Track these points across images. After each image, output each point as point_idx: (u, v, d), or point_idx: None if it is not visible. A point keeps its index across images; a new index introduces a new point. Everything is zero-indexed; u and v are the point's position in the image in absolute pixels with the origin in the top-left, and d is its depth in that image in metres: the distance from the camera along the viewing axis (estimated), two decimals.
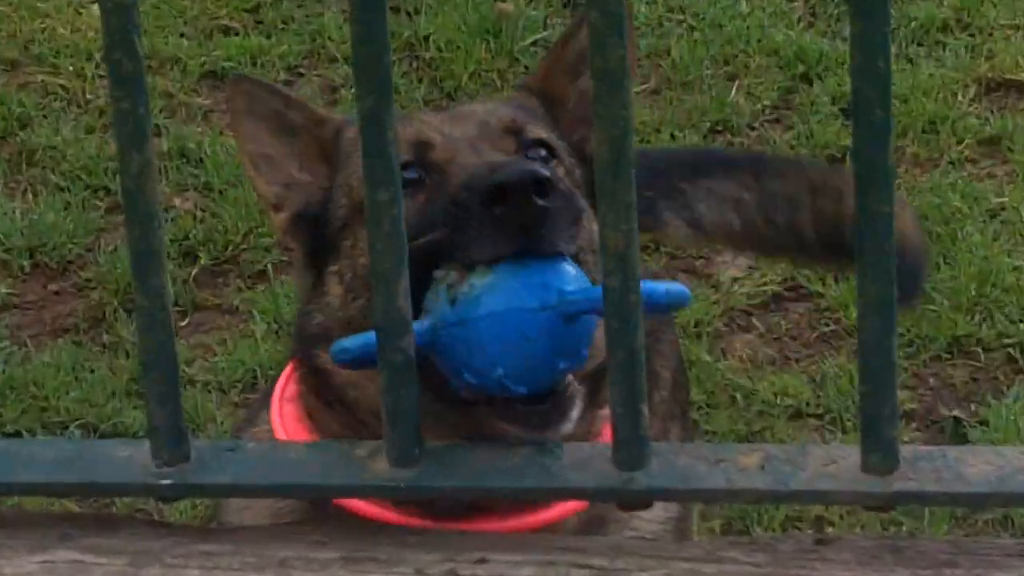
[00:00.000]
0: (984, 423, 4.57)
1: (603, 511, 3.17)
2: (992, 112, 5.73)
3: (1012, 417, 4.59)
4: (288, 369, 3.42)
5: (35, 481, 2.84)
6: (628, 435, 2.59)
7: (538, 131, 3.27)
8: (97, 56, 6.17)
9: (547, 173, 2.99)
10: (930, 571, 2.58)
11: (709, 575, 2.66)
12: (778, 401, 4.56)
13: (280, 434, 3.29)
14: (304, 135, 3.41)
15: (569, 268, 2.95)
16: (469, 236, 3.02)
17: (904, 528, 4.15)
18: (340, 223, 3.34)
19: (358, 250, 3.23)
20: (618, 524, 3.19)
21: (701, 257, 5.01)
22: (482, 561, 2.71)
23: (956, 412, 4.60)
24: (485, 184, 3.00)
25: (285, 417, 3.33)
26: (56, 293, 5.64)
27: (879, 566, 2.61)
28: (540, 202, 2.92)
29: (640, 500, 2.75)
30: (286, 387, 3.40)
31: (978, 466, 2.60)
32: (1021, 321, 4.88)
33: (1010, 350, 4.76)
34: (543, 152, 3.23)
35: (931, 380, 4.69)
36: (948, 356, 4.71)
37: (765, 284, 4.84)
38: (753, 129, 5.62)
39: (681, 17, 5.94)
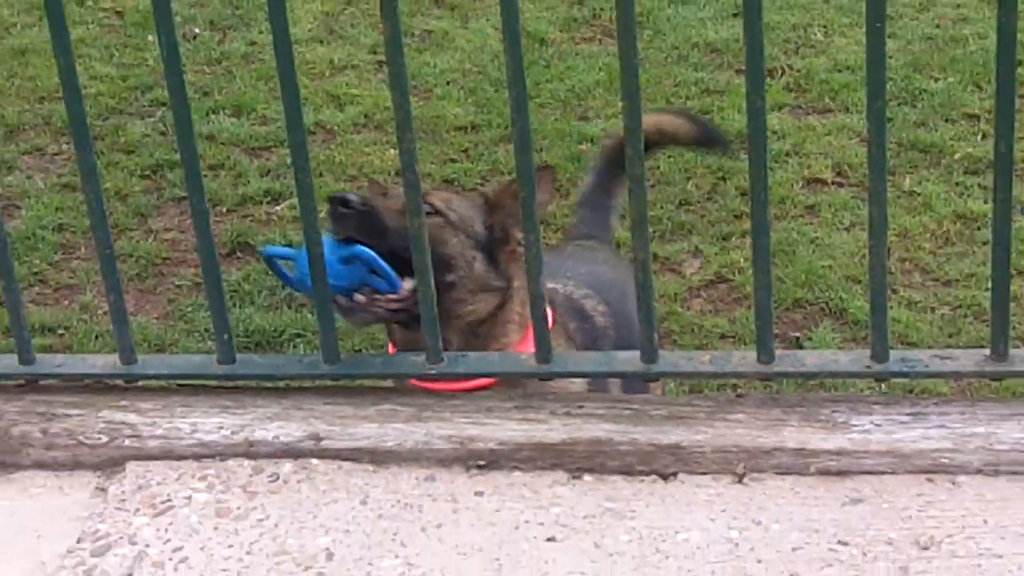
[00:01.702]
0: (810, 339, 4.06)
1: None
2: None
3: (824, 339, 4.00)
4: None
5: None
6: (647, 344, 2.62)
7: (433, 201, 2.98)
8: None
9: (350, 197, 2.82)
10: (792, 408, 2.57)
11: (661, 409, 2.64)
12: (714, 331, 4.17)
13: None
14: None
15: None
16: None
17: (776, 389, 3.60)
18: None
19: None
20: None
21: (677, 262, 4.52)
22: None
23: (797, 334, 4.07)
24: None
25: None
26: None
27: (770, 406, 2.60)
28: (341, 209, 2.76)
29: (652, 379, 2.88)
30: None
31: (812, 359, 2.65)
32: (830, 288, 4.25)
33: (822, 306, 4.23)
34: (428, 208, 2.87)
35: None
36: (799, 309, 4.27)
37: (706, 276, 4.46)
38: None
39: None
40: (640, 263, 2.60)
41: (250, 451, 2.59)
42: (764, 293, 2.59)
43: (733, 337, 4.15)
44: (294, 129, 2.58)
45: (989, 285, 2.61)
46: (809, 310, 4.24)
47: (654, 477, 2.47)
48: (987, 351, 2.59)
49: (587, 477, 2.50)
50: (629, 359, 2.73)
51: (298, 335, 4.27)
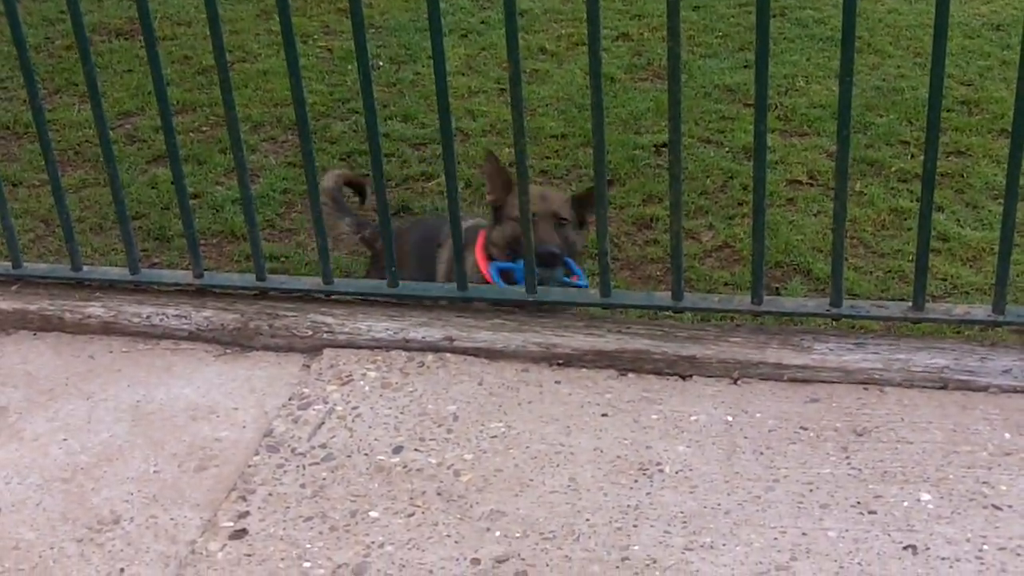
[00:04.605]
0: (786, 289, 3.92)
1: None
2: None
3: (795, 290, 3.91)
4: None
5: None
6: (676, 287, 2.79)
7: (560, 211, 3.02)
8: None
9: (555, 250, 2.92)
10: (773, 336, 2.53)
11: (683, 332, 2.72)
12: (720, 281, 3.97)
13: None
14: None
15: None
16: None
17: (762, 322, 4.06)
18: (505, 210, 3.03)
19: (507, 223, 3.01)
20: None
21: (697, 233, 4.38)
22: None
23: (777, 286, 3.92)
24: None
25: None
26: None
27: (758, 333, 2.56)
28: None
29: (680, 311, 2.73)
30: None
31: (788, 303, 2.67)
32: (801, 255, 4.11)
33: (795, 267, 4.05)
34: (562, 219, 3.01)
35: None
36: (779, 268, 4.01)
37: (716, 243, 4.26)
38: None
39: None
40: (674, 234, 2.58)
41: (406, 345, 2.59)
42: (758, 256, 2.56)
43: (734, 285, 4.02)
44: (444, 131, 2.58)
45: (912, 258, 2.56)
46: (786, 269, 4.14)
47: (677, 377, 2.46)
48: (909, 303, 2.55)
49: (631, 375, 2.48)
50: (664, 296, 2.70)
51: None
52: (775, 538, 1.98)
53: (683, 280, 2.63)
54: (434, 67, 2.51)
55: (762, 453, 2.21)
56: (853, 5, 2.33)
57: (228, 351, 2.62)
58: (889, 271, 4.08)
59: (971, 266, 4.08)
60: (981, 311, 2.55)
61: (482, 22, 6.60)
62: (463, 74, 5.92)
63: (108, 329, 2.70)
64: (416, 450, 2.26)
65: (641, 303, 2.77)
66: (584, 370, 2.50)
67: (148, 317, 2.70)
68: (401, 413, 2.38)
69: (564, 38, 6.37)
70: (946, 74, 5.54)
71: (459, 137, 5.26)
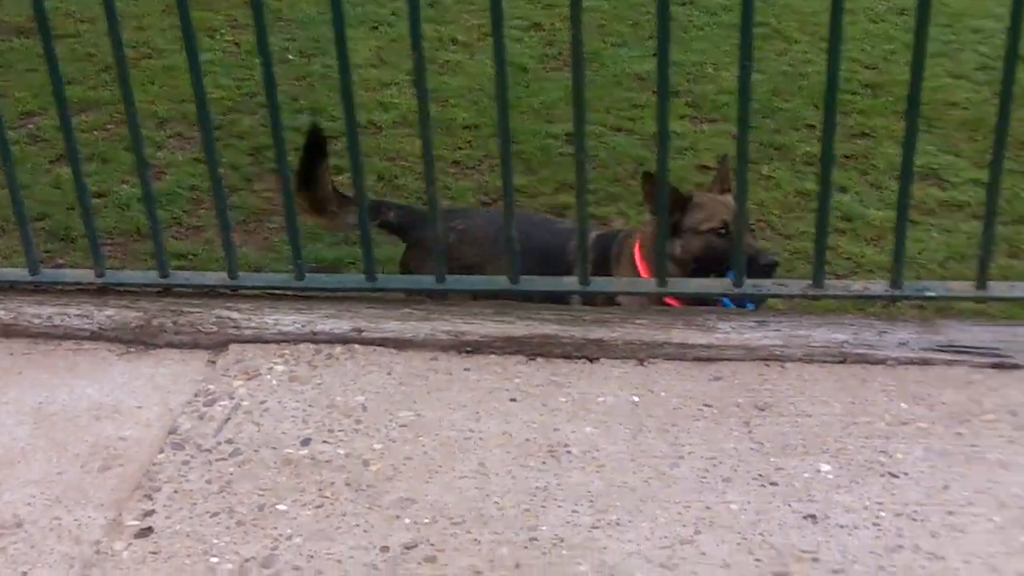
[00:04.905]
0: None
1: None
2: None
3: None
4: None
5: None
6: (581, 274, 2.60)
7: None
8: None
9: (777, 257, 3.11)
10: (678, 316, 2.54)
11: (589, 316, 2.73)
12: None
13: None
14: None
15: None
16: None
17: None
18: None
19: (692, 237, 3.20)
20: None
21: (608, 219, 4.57)
22: None
23: None
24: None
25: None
26: None
27: (663, 315, 2.61)
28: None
29: (589, 296, 2.86)
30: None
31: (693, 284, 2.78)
32: None
33: None
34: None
35: None
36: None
37: None
38: None
39: None
40: (581, 219, 2.60)
41: (313, 338, 2.58)
42: (662, 240, 2.60)
43: None
44: (349, 125, 2.58)
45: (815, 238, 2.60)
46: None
47: (584, 360, 2.47)
48: (809, 281, 2.60)
49: (539, 359, 2.49)
50: (571, 281, 2.71)
51: (351, 263, 4.21)
52: (679, 513, 2.02)
53: (588, 268, 2.65)
54: (338, 59, 2.50)
55: (667, 431, 2.24)
56: None
57: (132, 349, 2.59)
58: (795, 252, 4.16)
59: (875, 245, 4.18)
60: (879, 286, 2.60)
61: (392, 13, 6.59)
62: (374, 66, 5.90)
63: (8, 331, 2.65)
64: (324, 442, 2.25)
65: (549, 287, 2.79)
66: (493, 356, 2.51)
67: (49, 317, 2.66)
68: (309, 406, 2.37)
69: (475, 28, 6.39)
70: (851, 58, 5.63)
71: (371, 129, 5.25)
